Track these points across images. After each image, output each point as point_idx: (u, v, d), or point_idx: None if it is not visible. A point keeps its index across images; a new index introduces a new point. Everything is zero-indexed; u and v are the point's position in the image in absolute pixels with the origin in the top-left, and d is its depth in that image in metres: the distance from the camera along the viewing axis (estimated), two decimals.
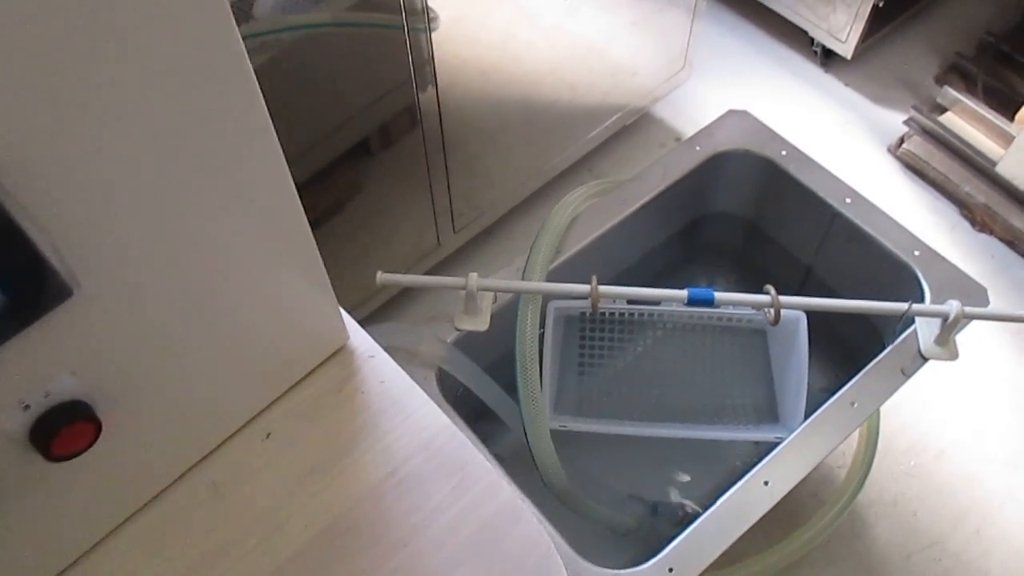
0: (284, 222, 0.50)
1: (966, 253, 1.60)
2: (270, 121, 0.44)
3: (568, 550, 0.89)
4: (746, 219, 1.27)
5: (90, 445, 0.44)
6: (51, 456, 0.42)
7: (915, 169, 1.73)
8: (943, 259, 1.06)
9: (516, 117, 1.44)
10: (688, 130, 1.77)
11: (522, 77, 1.38)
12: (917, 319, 1.01)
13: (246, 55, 0.40)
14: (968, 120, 1.71)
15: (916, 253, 1.06)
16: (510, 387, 1.02)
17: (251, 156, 0.44)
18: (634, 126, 1.74)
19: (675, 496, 1.14)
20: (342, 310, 0.64)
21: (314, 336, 0.59)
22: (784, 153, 1.16)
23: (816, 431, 0.95)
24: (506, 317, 1.04)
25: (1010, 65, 1.79)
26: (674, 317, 1.17)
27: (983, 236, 1.64)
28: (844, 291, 1.19)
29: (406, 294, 1.52)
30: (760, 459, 0.93)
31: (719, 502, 0.91)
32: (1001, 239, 1.62)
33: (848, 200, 1.12)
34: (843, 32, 1.74)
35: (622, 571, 0.87)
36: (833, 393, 1.26)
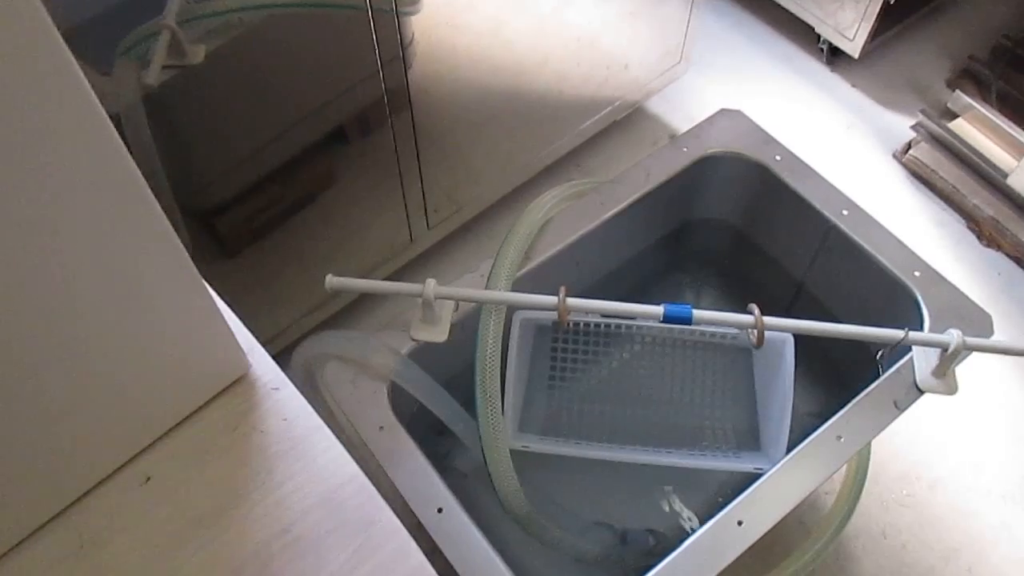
0: (147, 233, 0.42)
1: (971, 269, 1.51)
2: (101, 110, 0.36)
3: None
4: (735, 228, 1.18)
5: None
6: None
7: (921, 177, 1.63)
8: (945, 281, 0.97)
9: (502, 108, 1.36)
10: (684, 127, 1.68)
11: (511, 66, 1.30)
12: (914, 348, 0.92)
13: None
14: (980, 128, 1.62)
15: (916, 273, 0.98)
16: (471, 403, 0.93)
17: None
18: (626, 122, 1.65)
19: (645, 525, 1.06)
20: (247, 333, 0.55)
21: (204, 366, 0.50)
22: (778, 158, 1.08)
23: (797, 467, 0.87)
24: (468, 327, 0.95)
25: None
26: (653, 331, 1.08)
27: (990, 252, 1.55)
28: (837, 310, 1.11)
29: (371, 295, 1.44)
30: (739, 489, 0.85)
31: (688, 541, 0.83)
32: (1009, 255, 1.53)
33: (845, 212, 1.03)
34: (851, 30, 1.64)
35: None
36: (821, 418, 1.17)
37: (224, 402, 0.52)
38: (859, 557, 1.26)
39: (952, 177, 1.59)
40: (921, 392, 0.90)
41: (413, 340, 0.95)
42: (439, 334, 0.95)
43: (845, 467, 1.14)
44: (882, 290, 1.00)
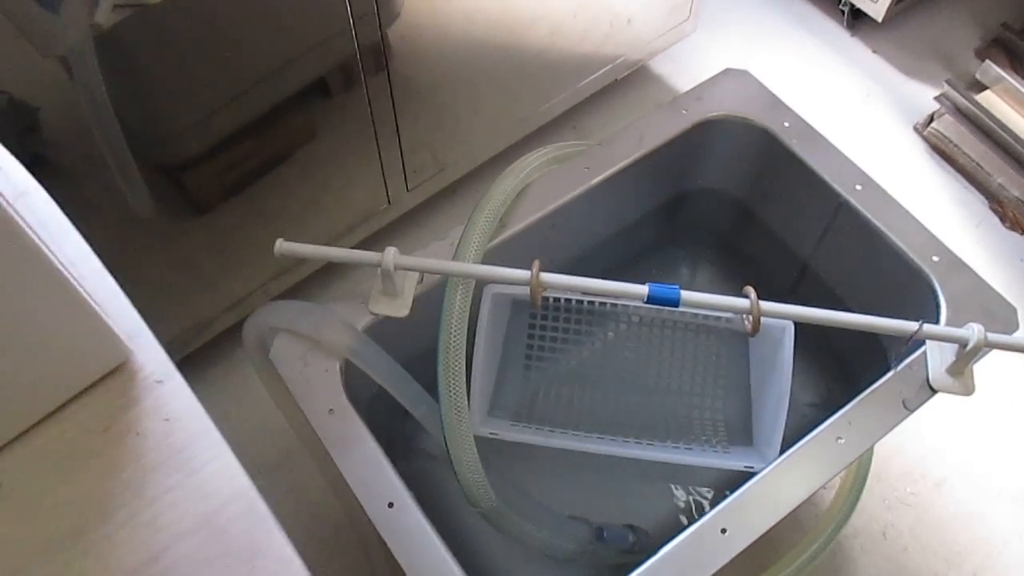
0: None
1: (992, 253, 1.41)
2: None
3: None
4: (737, 200, 1.08)
5: None
6: None
7: (943, 153, 1.52)
8: (967, 268, 0.87)
9: (494, 62, 1.26)
10: None
11: (504, 18, 1.20)
12: (928, 341, 0.82)
13: None
14: (1009, 101, 1.50)
15: (935, 259, 0.88)
16: (436, 385, 0.84)
17: None
18: (628, 81, 1.54)
19: (625, 520, 0.98)
20: (135, 314, 0.46)
21: (64, 354, 0.41)
22: (787, 124, 0.97)
23: (791, 470, 0.77)
24: (434, 300, 0.86)
25: None
26: (640, 310, 0.99)
27: (1013, 235, 1.44)
28: (845, 294, 1.01)
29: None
30: (728, 487, 0.77)
31: (665, 549, 0.74)
32: None
33: (858, 187, 0.93)
34: None
35: None
36: (822, 409, 1.09)
37: (94, 398, 0.43)
38: (856, 558, 1.17)
39: (976, 153, 1.48)
40: (934, 392, 0.80)
41: (372, 314, 0.86)
42: (400, 308, 0.86)
43: None
44: (896, 275, 0.90)
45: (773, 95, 0.99)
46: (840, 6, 1.65)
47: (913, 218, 0.90)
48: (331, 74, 1.12)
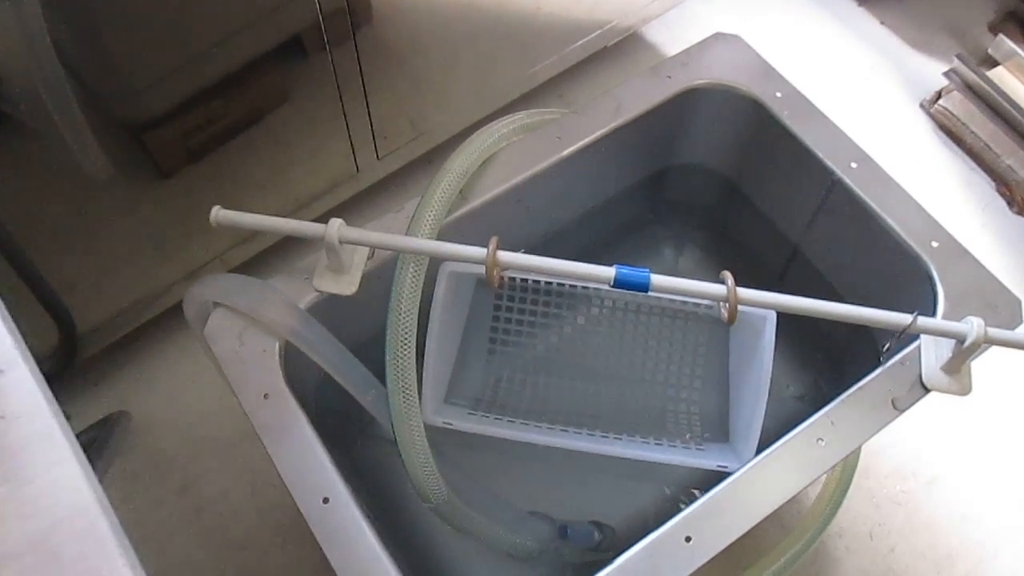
0: None
1: (998, 238, 1.33)
2: None
3: None
4: (724, 176, 1.00)
5: None
6: None
7: (950, 131, 1.44)
8: (968, 256, 0.80)
9: (476, 24, 1.18)
10: None
11: None
12: (923, 336, 0.75)
13: None
14: (1022, 78, 1.42)
15: (934, 244, 0.80)
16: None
17: None
18: (619, 50, 1.46)
19: (590, 517, 0.91)
20: None
21: None
22: (779, 95, 0.89)
23: (765, 474, 0.71)
24: (387, 278, 0.79)
25: None
26: (614, 294, 0.91)
27: (1021, 220, 1.36)
28: (837, 281, 0.94)
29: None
30: (702, 485, 0.70)
31: (620, 560, 0.67)
32: None
33: (854, 164, 0.85)
34: None
35: None
36: (807, 402, 1.02)
37: None
38: (840, 559, 1.11)
39: (985, 133, 1.40)
40: (927, 391, 0.73)
41: (316, 291, 0.79)
42: (347, 285, 0.79)
43: None
44: (891, 262, 0.83)
45: (765, 63, 0.91)
46: None
47: (912, 200, 0.83)
48: (307, 32, 1.05)
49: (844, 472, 1.01)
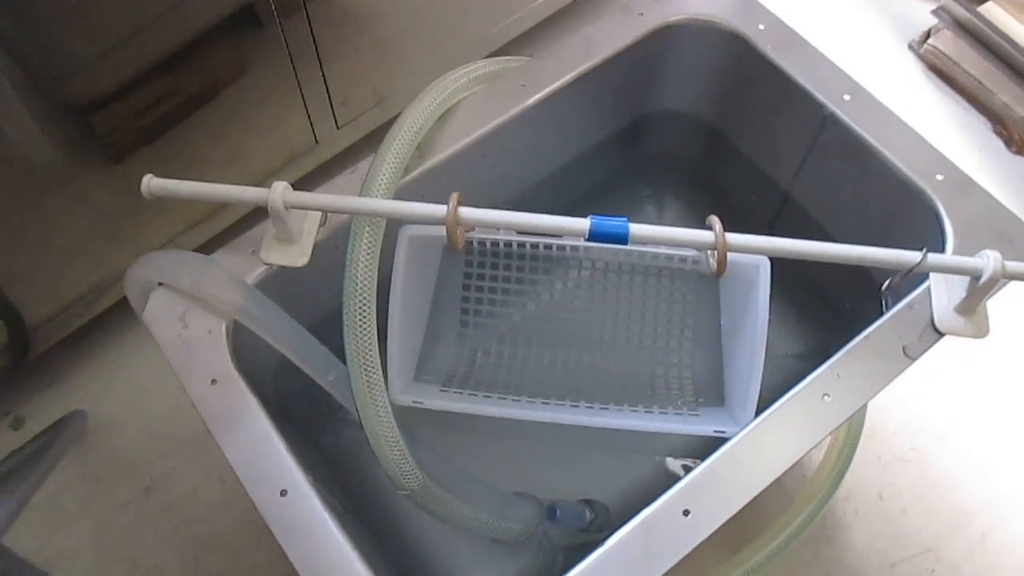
0: None
1: (996, 180, 1.27)
2: None
3: None
4: (706, 122, 0.93)
5: None
6: None
7: (941, 72, 1.37)
8: (976, 187, 0.73)
9: None
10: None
11: None
12: (932, 275, 0.69)
13: None
14: (1013, 12, 1.35)
15: (939, 177, 0.73)
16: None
17: None
18: (591, 1, 1.38)
19: (580, 495, 0.85)
20: None
21: None
22: (762, 27, 0.82)
23: (767, 437, 0.64)
24: (344, 246, 0.71)
25: None
26: (592, 253, 0.84)
27: (1020, 160, 1.30)
28: (832, 227, 0.87)
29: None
30: (700, 454, 0.64)
31: (614, 539, 0.61)
32: None
33: (847, 97, 0.78)
34: None
35: None
36: (806, 360, 0.95)
37: None
38: (850, 523, 1.05)
39: (978, 71, 1.33)
40: (940, 335, 0.67)
41: (265, 264, 0.72)
42: (297, 256, 0.72)
43: None
44: (892, 200, 0.76)
45: None
46: None
47: (912, 130, 0.76)
48: (259, 1, 0.98)
49: (850, 431, 0.95)
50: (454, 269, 0.85)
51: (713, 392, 0.82)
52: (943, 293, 0.68)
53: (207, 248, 1.14)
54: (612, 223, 0.64)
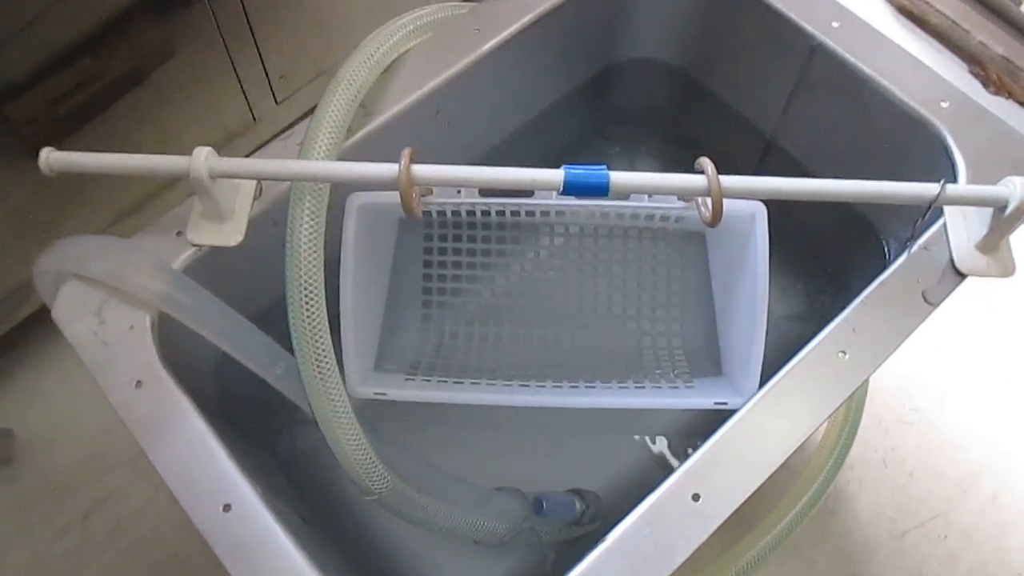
0: None
1: None
2: None
3: None
4: (677, 68, 0.85)
5: None
6: None
7: (910, 14, 1.30)
8: (987, 113, 0.67)
9: None
10: None
11: None
12: (947, 212, 0.61)
13: None
14: None
15: (944, 105, 0.66)
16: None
17: None
18: None
19: (569, 485, 0.77)
20: None
21: None
22: None
23: (778, 405, 0.56)
24: (284, 221, 0.62)
25: None
26: (564, 218, 0.76)
27: (999, 100, 1.23)
28: (824, 172, 0.80)
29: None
30: (702, 433, 0.56)
31: (621, 528, 0.53)
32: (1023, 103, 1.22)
33: (836, 24, 0.71)
34: None
35: None
36: (806, 322, 0.88)
37: None
38: (854, 494, 0.98)
39: (952, 10, 1.26)
40: (962, 277, 0.60)
41: (193, 246, 0.63)
42: (230, 235, 0.63)
43: None
44: (892, 133, 0.69)
45: None
46: None
47: (909, 55, 0.69)
48: None
49: (854, 398, 0.88)
50: (413, 243, 0.76)
51: (708, 361, 0.74)
52: (961, 231, 0.61)
53: None
54: (590, 172, 0.55)
